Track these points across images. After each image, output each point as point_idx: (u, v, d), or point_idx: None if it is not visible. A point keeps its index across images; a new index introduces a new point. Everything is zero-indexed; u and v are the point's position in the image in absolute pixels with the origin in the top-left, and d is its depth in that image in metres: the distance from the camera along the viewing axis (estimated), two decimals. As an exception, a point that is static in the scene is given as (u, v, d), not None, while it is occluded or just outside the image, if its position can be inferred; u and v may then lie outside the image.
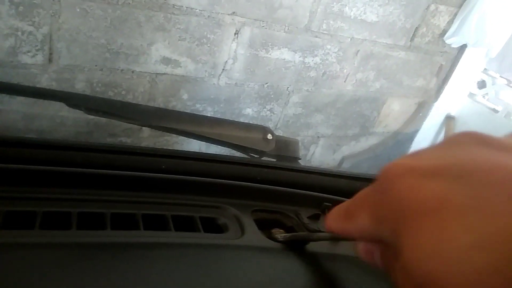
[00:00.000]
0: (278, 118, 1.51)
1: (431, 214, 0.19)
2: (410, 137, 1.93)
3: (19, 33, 0.97)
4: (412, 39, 1.57)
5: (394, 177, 0.22)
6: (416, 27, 1.55)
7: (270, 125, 1.52)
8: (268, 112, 1.47)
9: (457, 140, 0.23)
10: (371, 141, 1.83)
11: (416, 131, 1.92)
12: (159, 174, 0.40)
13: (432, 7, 1.54)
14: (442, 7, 1.57)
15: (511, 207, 0.17)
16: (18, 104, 1.06)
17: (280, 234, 0.38)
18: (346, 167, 1.80)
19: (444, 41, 1.66)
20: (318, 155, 1.74)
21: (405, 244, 0.20)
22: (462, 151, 0.22)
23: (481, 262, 0.17)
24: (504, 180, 0.18)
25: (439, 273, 0.18)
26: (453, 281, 0.18)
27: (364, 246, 0.29)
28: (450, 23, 1.63)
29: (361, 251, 0.29)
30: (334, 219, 0.27)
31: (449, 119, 1.93)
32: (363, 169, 1.85)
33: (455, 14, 1.62)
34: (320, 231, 0.40)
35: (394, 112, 1.78)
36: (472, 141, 0.22)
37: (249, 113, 1.44)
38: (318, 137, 1.68)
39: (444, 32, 1.64)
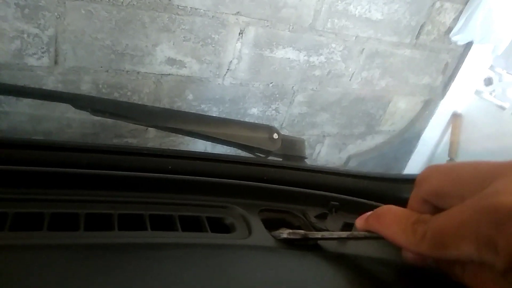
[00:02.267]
0: (284, 118, 1.51)
1: None
2: (417, 135, 1.92)
3: (25, 35, 0.98)
4: (417, 37, 1.56)
5: None
6: (422, 25, 1.54)
7: (276, 125, 1.51)
8: (274, 111, 1.47)
9: None
10: (377, 139, 1.82)
11: (423, 129, 1.91)
12: (165, 175, 0.40)
13: (438, 4, 1.53)
14: (447, 4, 1.56)
15: None
16: (24, 106, 1.07)
17: (287, 233, 0.38)
18: (352, 166, 1.79)
19: (450, 39, 1.65)
20: (324, 154, 1.73)
21: None
22: None
23: None
24: None
25: None
26: None
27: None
28: (455, 20, 1.62)
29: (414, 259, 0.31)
30: (418, 241, 0.27)
31: (456, 116, 1.91)
32: (369, 168, 1.84)
33: (461, 11, 1.61)
34: (327, 230, 0.40)
35: (400, 110, 1.77)
36: None
37: (254, 112, 1.44)
38: (324, 136, 1.67)
39: (449, 29, 1.63)
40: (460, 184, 0.27)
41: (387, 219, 0.31)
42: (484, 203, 0.24)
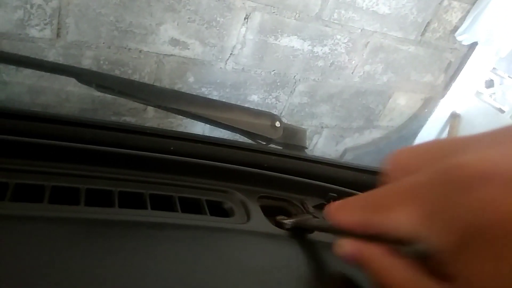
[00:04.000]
0: (283, 106, 1.51)
1: None
2: (414, 133, 1.92)
3: (28, 6, 0.96)
4: (423, 34, 1.56)
5: (474, 179, 0.18)
6: (428, 22, 1.54)
7: (275, 113, 1.51)
8: (274, 99, 1.47)
9: None
10: (375, 134, 1.82)
11: (421, 127, 1.92)
12: (167, 155, 0.40)
13: (445, 2, 1.52)
14: (455, 3, 1.55)
15: None
16: (24, 78, 1.05)
17: (285, 220, 0.38)
18: (348, 159, 1.80)
19: (455, 38, 1.64)
20: (320, 145, 1.74)
21: (476, 267, 0.17)
22: None
23: None
24: None
25: None
26: None
27: (360, 246, 0.25)
28: (462, 19, 1.61)
29: (352, 250, 0.25)
30: (349, 209, 0.25)
31: (454, 117, 1.92)
32: (365, 162, 1.84)
33: (468, 11, 1.60)
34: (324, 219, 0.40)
35: (400, 106, 1.78)
36: None
37: (254, 99, 1.43)
38: (322, 127, 1.67)
39: (455, 28, 1.62)
40: (425, 159, 0.23)
41: (344, 204, 0.26)
42: (441, 166, 0.20)
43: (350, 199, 0.26)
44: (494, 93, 1.90)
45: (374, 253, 0.23)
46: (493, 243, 0.16)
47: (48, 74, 0.98)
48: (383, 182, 0.26)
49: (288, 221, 0.38)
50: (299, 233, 0.37)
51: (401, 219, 0.20)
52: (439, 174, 0.20)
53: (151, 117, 1.32)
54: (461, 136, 0.23)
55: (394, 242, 0.22)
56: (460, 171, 0.18)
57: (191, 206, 0.37)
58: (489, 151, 0.19)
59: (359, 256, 0.25)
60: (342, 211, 0.26)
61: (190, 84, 1.29)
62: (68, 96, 1.14)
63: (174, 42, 1.18)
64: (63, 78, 0.97)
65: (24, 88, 1.08)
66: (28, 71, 1.04)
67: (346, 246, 0.26)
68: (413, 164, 0.23)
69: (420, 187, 0.20)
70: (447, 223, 0.18)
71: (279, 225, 0.37)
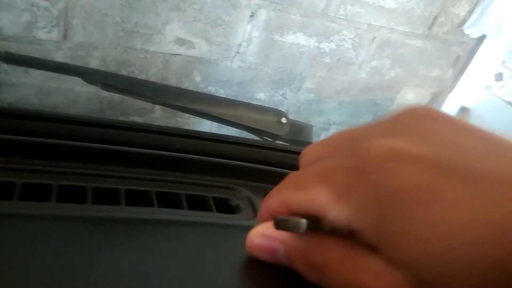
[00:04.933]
0: (290, 104, 1.50)
1: (428, 205, 0.18)
2: (423, 128, 1.91)
3: (35, 8, 0.97)
4: (430, 28, 1.54)
5: (380, 161, 0.20)
6: (435, 16, 1.52)
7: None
8: (281, 97, 1.47)
9: (418, 117, 0.22)
10: (383, 130, 1.81)
11: (429, 122, 1.90)
12: (173, 153, 0.40)
13: (453, -5, 1.50)
14: (463, -4, 1.53)
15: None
16: (32, 79, 1.07)
17: (291, 216, 0.38)
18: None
19: (463, 31, 1.62)
20: (328, 142, 1.73)
21: (395, 238, 0.18)
22: (437, 134, 0.20)
23: (491, 256, 0.16)
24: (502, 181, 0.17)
25: (447, 272, 0.17)
26: (463, 280, 0.17)
27: (271, 239, 0.25)
28: (470, 12, 1.59)
29: (263, 244, 0.26)
30: (273, 194, 0.25)
31: (463, 110, 1.90)
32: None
33: (476, 4, 1.58)
34: None
35: (408, 102, 1.76)
36: (434, 120, 0.21)
37: (261, 97, 1.43)
38: (330, 124, 1.66)
39: (463, 21, 1.61)
40: (335, 147, 0.24)
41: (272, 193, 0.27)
42: (349, 150, 0.22)
43: (276, 186, 0.26)
44: (503, 86, 1.87)
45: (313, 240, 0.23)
46: (403, 211, 0.18)
47: (56, 75, 0.99)
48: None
49: (290, 217, 0.37)
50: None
51: (318, 198, 0.21)
52: (348, 156, 0.21)
53: (159, 117, 1.32)
54: (363, 125, 0.25)
55: (313, 219, 0.22)
56: (365, 154, 0.20)
57: (198, 203, 0.37)
58: (389, 135, 0.21)
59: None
60: (268, 197, 0.26)
61: (197, 83, 1.29)
62: (76, 97, 1.15)
63: (180, 41, 1.18)
64: (70, 79, 0.98)
65: (32, 89, 1.09)
66: (36, 73, 1.05)
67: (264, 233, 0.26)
68: (325, 152, 0.25)
69: (337, 169, 0.21)
70: (363, 203, 0.20)
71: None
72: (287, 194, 0.24)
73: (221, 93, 1.35)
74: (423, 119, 0.22)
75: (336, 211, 0.21)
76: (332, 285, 0.21)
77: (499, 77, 1.88)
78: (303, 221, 0.22)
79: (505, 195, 0.17)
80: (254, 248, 0.27)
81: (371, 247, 0.20)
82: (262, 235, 0.26)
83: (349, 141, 0.23)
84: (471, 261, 0.16)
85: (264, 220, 0.27)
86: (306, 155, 0.27)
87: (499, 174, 0.18)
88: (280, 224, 0.24)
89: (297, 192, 0.23)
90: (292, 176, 0.25)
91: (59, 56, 1.06)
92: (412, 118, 0.23)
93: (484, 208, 0.17)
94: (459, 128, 0.21)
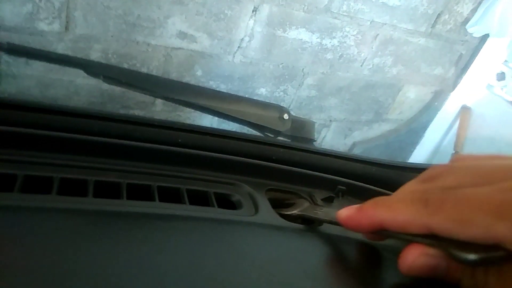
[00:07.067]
0: (292, 100, 1.50)
1: None
2: (424, 126, 1.91)
3: (37, -1, 0.97)
4: (433, 26, 1.54)
5: None
6: (439, 14, 1.51)
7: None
8: (282, 93, 1.46)
9: None
10: (384, 127, 1.81)
11: (430, 120, 1.90)
12: (175, 148, 0.40)
13: (457, -7, 1.50)
14: (466, -6, 1.52)
15: None
16: (33, 71, 1.06)
17: (289, 212, 0.38)
18: (356, 153, 1.79)
19: (466, 30, 1.62)
20: (329, 139, 1.73)
21: None
22: None
23: None
24: None
25: None
26: None
27: (433, 258, 0.26)
28: (473, 11, 1.58)
29: (428, 262, 0.26)
30: (431, 212, 0.24)
31: (465, 109, 1.89)
32: (374, 156, 1.83)
33: (479, 2, 1.57)
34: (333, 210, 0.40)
35: (410, 99, 1.76)
36: None
37: (262, 93, 1.43)
38: (331, 120, 1.66)
39: (466, 20, 1.60)
40: (487, 178, 0.24)
41: (387, 201, 0.28)
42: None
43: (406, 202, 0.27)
44: (505, 86, 1.87)
45: None
46: None
47: (57, 67, 0.98)
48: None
49: (291, 212, 0.37)
50: (307, 226, 0.37)
51: (502, 233, 0.22)
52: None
53: (160, 111, 1.32)
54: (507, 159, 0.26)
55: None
56: None
57: (199, 199, 0.37)
58: None
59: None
60: (393, 212, 0.27)
61: (198, 77, 1.29)
62: (77, 89, 1.14)
63: (182, 35, 1.18)
64: (72, 72, 0.97)
65: (33, 81, 1.08)
66: (37, 65, 1.04)
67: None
68: (468, 179, 0.25)
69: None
70: None
71: (285, 216, 0.37)
72: (447, 225, 0.24)
73: (222, 88, 1.34)
74: None
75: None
76: None
77: (501, 76, 1.88)
78: (482, 255, 0.23)
79: None
80: (415, 266, 0.27)
81: None
82: (426, 254, 0.26)
83: (506, 173, 0.24)
84: None
85: (366, 228, 0.29)
86: (443, 177, 0.27)
87: None
88: (457, 256, 0.24)
89: (465, 227, 0.23)
90: (443, 202, 0.24)
91: (60, 48, 1.06)
92: None
93: None
94: None
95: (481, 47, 1.73)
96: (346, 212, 0.31)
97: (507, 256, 0.22)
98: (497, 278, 0.24)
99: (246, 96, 1.41)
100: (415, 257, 0.26)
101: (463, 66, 1.76)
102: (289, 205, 0.41)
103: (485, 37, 1.68)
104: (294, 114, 0.59)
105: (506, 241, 0.22)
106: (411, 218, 0.25)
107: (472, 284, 0.26)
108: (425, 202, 0.25)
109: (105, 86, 1.05)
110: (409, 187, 0.29)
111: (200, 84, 1.30)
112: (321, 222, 0.37)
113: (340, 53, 1.44)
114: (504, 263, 0.23)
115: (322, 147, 1.72)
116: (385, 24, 1.43)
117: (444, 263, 0.26)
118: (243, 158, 0.43)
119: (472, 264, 0.23)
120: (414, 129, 1.88)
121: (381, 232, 0.28)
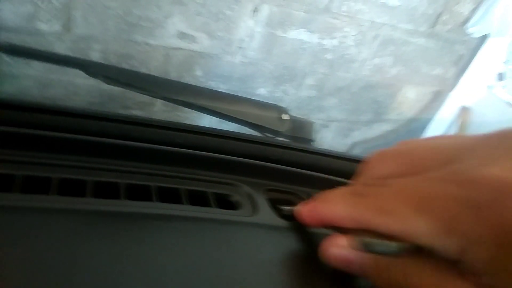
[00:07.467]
0: (291, 100, 1.50)
1: None
2: (423, 126, 1.91)
3: (37, 0, 0.97)
4: (433, 26, 1.54)
5: (500, 195, 0.18)
6: (439, 14, 1.51)
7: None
8: (281, 93, 1.46)
9: None
10: (384, 128, 1.81)
11: (430, 120, 1.90)
12: (174, 148, 0.40)
13: (457, -7, 1.50)
14: (466, -6, 1.52)
15: None
16: (33, 71, 1.06)
17: (292, 212, 0.38)
18: (356, 153, 1.79)
19: (466, 30, 1.62)
20: (328, 139, 1.73)
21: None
22: None
23: None
24: None
25: None
26: None
27: (346, 250, 0.25)
28: (473, 11, 1.58)
29: (340, 254, 0.26)
30: (340, 203, 0.24)
31: (464, 110, 1.89)
32: (373, 156, 1.83)
33: (479, 3, 1.57)
34: None
35: (409, 100, 1.76)
36: None
37: (262, 93, 1.43)
38: (330, 121, 1.66)
39: (466, 20, 1.60)
40: (419, 167, 0.22)
41: (328, 196, 0.27)
42: (457, 176, 0.20)
43: (336, 194, 0.25)
44: (505, 86, 1.87)
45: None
46: None
47: (57, 67, 0.98)
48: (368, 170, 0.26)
49: (291, 213, 0.37)
50: (306, 226, 0.37)
51: (418, 228, 0.20)
52: (446, 180, 0.20)
53: (159, 111, 1.32)
54: (438, 138, 0.24)
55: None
56: (480, 184, 0.19)
57: (198, 199, 0.37)
58: (497, 168, 0.19)
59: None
60: (328, 205, 0.26)
61: (198, 77, 1.29)
62: (76, 90, 1.15)
63: (182, 35, 1.18)
64: (71, 72, 0.97)
65: (32, 81, 1.08)
66: (36, 65, 1.04)
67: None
68: (403, 168, 0.23)
69: (434, 197, 0.20)
70: (477, 237, 0.19)
71: (284, 217, 0.37)
72: (368, 216, 0.23)
73: (222, 88, 1.35)
74: None
75: (444, 243, 0.20)
76: None
77: (501, 76, 1.88)
78: (399, 246, 0.22)
79: None
80: (328, 257, 0.27)
81: (462, 273, 0.19)
82: (338, 246, 0.26)
83: (438, 160, 0.22)
84: None
85: (315, 224, 0.28)
86: (375, 167, 0.25)
87: None
88: (369, 247, 0.23)
89: (384, 218, 0.22)
90: (369, 193, 0.23)
91: (60, 48, 1.06)
92: (508, 141, 0.21)
93: None
94: None
95: (481, 47, 1.73)
96: (300, 209, 0.30)
97: (414, 249, 0.21)
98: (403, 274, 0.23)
99: (246, 96, 1.41)
100: (327, 247, 0.26)
101: (463, 66, 1.76)
102: (289, 205, 0.41)
103: (485, 37, 1.68)
104: (293, 114, 0.59)
105: (417, 236, 0.20)
106: (342, 212, 0.25)
107: (386, 284, 0.24)
108: (353, 194, 0.24)
109: (104, 86, 1.05)
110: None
111: (200, 84, 1.30)
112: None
113: (340, 54, 1.44)
114: (406, 257, 0.22)
115: (322, 147, 1.72)
116: (385, 24, 1.43)
117: (358, 261, 0.25)
118: (242, 159, 0.43)
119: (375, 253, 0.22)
120: (414, 129, 1.88)
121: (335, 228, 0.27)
